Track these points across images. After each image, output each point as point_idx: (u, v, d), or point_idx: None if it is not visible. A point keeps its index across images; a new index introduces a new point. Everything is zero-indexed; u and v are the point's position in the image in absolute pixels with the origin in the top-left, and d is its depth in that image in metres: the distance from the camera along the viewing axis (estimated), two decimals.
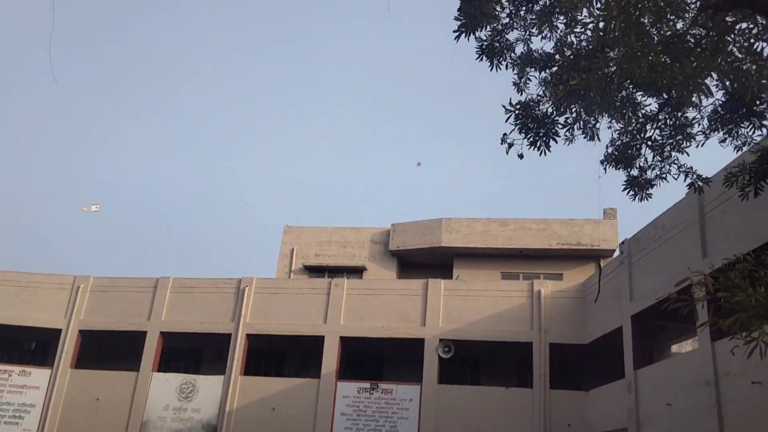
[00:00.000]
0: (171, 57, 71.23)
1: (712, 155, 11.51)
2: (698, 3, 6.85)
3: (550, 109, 10.03)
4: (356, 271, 25.72)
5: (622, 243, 17.07)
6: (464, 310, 20.04)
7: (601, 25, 7.44)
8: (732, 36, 7.59)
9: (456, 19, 8.86)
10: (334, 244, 26.35)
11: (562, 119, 10.12)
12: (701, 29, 7.49)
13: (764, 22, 7.07)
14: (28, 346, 23.54)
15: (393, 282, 22.49)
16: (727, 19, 7.42)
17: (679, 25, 7.34)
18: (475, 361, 21.32)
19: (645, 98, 9.89)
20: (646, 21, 6.65)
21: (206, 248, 62.44)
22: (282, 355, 22.63)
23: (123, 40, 69.75)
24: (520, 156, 10.08)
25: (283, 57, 73.73)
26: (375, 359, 22.04)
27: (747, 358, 5.87)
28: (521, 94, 10.19)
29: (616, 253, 18.97)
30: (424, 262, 25.87)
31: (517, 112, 9.78)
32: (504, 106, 9.72)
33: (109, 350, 22.53)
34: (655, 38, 7.16)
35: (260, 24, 73.66)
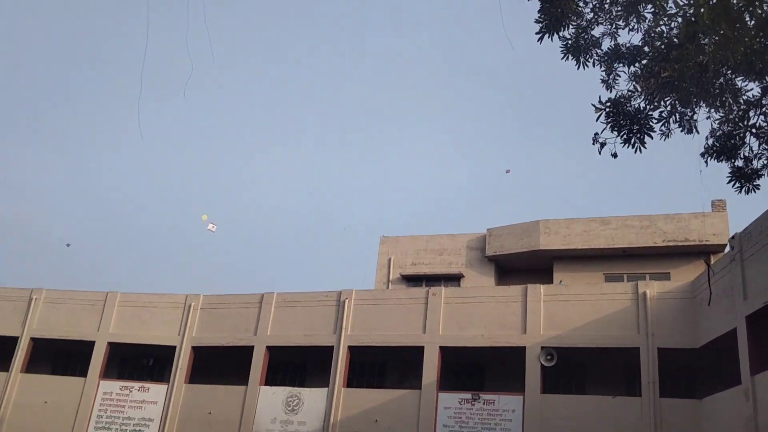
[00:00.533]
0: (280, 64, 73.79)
1: None
2: None
3: (642, 104, 9.69)
4: (453, 279, 25.61)
5: (732, 238, 16.09)
6: (566, 316, 19.48)
7: (691, 11, 7.13)
8: None
9: (537, 21, 8.74)
10: (431, 252, 26.37)
11: (656, 113, 9.77)
12: None
13: None
14: (146, 362, 24.92)
15: (491, 289, 22.22)
16: None
17: None
18: (579, 369, 20.64)
19: (746, 83, 9.38)
20: (737, 4, 6.32)
21: (306, 261, 64.08)
22: (383, 366, 22.81)
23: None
24: (614, 155, 9.79)
25: (375, 66, 74.80)
26: (476, 369, 21.79)
27: None
28: (610, 91, 9.92)
29: (727, 249, 17.90)
30: (523, 267, 25.41)
31: (607, 109, 9.52)
32: (593, 105, 9.48)
33: (219, 365, 23.52)
34: (750, 21, 6.78)
35: (343, 27, 75.19)
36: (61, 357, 25.45)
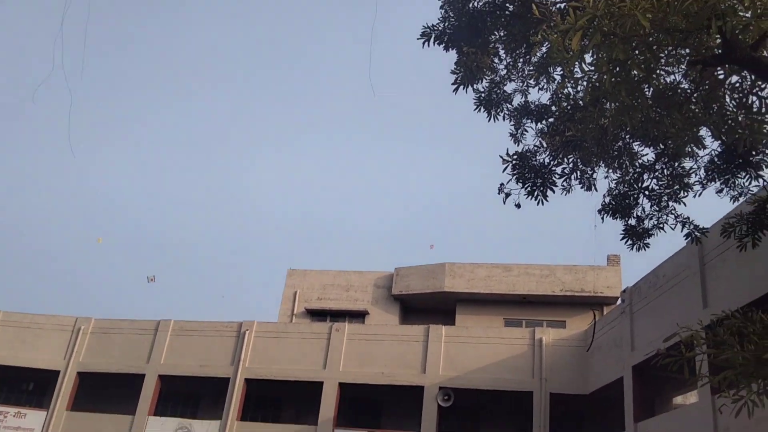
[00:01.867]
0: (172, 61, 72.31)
1: (710, 205, 11.55)
2: (687, 58, 6.95)
3: (547, 159, 10.11)
4: (359, 315, 25.56)
5: (623, 291, 16.97)
6: (465, 358, 19.82)
7: (595, 77, 7.54)
8: (724, 90, 7.68)
9: (453, 72, 9.00)
10: (337, 288, 26.27)
11: (559, 169, 10.19)
12: (692, 83, 7.59)
13: (753, 77, 7.16)
14: (26, 387, 23.34)
15: (394, 327, 22.30)
16: (718, 74, 7.52)
17: (669, 79, 7.43)
18: (474, 410, 20.98)
19: (642, 148, 9.97)
20: (637, 74, 6.74)
21: (209, 291, 62.28)
22: (280, 400, 22.34)
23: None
24: (518, 206, 10.12)
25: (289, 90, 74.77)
26: (374, 406, 21.72)
27: (734, 417, 5.78)
28: (518, 145, 10.29)
29: (619, 301, 18.84)
30: (427, 307, 25.70)
31: (514, 162, 9.86)
32: (501, 157, 9.80)
33: (107, 393, 22.30)
34: (648, 91, 7.24)
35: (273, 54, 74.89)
36: None
